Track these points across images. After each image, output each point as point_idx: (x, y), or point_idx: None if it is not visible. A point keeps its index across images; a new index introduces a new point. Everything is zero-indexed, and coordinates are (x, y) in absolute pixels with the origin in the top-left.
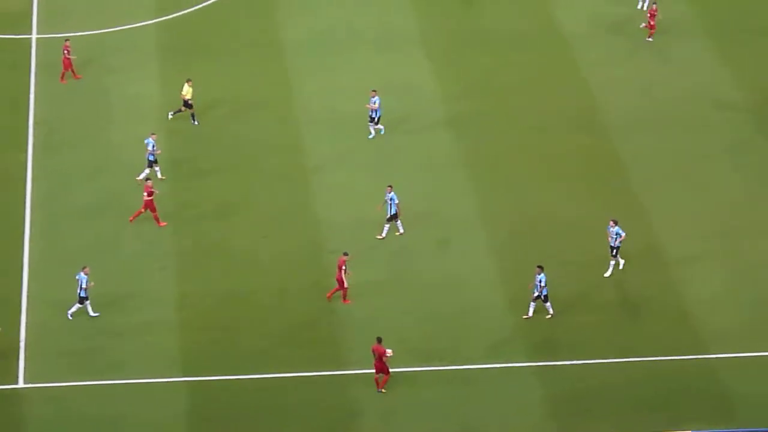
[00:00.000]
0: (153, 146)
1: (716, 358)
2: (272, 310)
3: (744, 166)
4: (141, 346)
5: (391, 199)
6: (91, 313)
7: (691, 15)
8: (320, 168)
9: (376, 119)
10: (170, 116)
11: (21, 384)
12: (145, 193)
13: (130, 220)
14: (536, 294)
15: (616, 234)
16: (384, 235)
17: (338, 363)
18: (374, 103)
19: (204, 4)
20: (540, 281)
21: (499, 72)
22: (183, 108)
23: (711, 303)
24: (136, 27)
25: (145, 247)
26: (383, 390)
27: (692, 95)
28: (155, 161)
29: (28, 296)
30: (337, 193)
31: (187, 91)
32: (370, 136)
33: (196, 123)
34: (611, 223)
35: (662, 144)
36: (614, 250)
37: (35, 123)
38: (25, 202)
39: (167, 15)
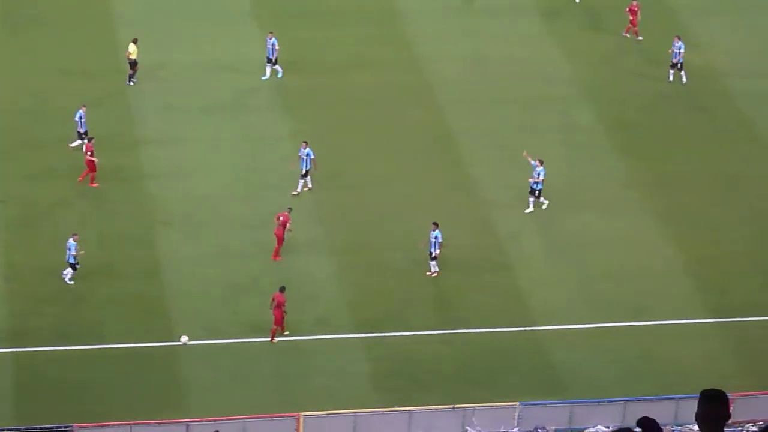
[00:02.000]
0: (81, 118)
1: (543, 330)
2: (101, 282)
3: (572, 143)
4: None
5: (307, 155)
6: (67, 281)
7: None
8: (151, 141)
9: (273, 60)
10: (131, 83)
11: None
12: (88, 153)
13: (79, 180)
14: (431, 251)
15: (435, 238)
16: (299, 190)
17: (167, 335)
18: (272, 44)
19: None
20: (436, 237)
21: (332, 47)
22: (132, 70)
23: (537, 278)
24: None
25: None
26: (275, 341)
27: (526, 73)
28: (85, 133)
29: None
30: (169, 168)
31: (133, 51)
32: (264, 77)
33: (132, 83)
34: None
35: (494, 120)
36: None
37: None
38: None
39: None
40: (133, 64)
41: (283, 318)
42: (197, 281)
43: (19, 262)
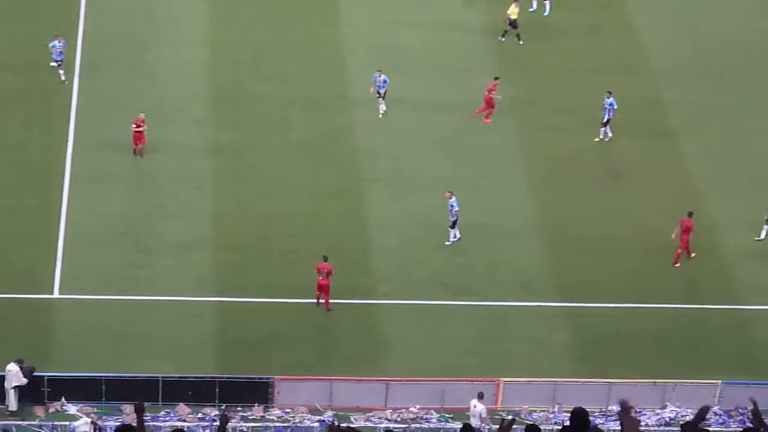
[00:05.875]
0: (381, 80)
1: (749, 309)
2: (309, 235)
3: None
4: (174, 264)
5: (611, 104)
6: (450, 241)
7: None
8: (364, 100)
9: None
10: (501, 39)
11: (56, 295)
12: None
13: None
14: (604, 119)
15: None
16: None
17: (369, 292)
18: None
19: None
20: (611, 104)
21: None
22: (509, 28)
23: (748, 255)
24: None
25: (181, 166)
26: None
27: (740, 45)
28: (382, 95)
29: (67, 209)
30: (376, 124)
31: (512, 10)
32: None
33: (521, 42)
34: None
35: (707, 93)
36: None
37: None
38: (69, 115)
39: None
40: (514, 24)
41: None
42: (399, 240)
43: (227, 212)
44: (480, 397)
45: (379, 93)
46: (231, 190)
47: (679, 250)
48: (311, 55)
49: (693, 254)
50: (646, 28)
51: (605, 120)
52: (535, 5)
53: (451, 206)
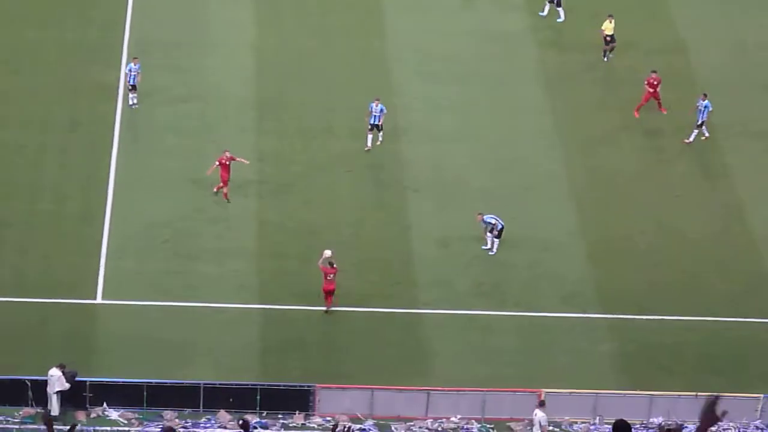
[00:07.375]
0: (378, 110)
1: None
2: (347, 244)
3: None
4: (216, 270)
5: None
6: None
7: None
8: (408, 109)
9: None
10: (606, 59)
11: (99, 300)
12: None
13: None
14: (699, 121)
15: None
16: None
17: (410, 301)
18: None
19: None
20: (706, 107)
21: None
22: (606, 46)
23: None
24: None
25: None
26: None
27: None
28: (380, 126)
29: (111, 214)
30: (419, 134)
31: (606, 27)
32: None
33: (606, 60)
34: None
35: (753, 106)
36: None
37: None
38: (114, 120)
39: None
40: (610, 40)
41: None
42: (440, 250)
43: (270, 220)
44: (541, 405)
45: (375, 125)
46: (274, 198)
47: None
48: (356, 64)
49: None
50: (693, 43)
51: (700, 122)
52: (546, 11)
53: (486, 223)
